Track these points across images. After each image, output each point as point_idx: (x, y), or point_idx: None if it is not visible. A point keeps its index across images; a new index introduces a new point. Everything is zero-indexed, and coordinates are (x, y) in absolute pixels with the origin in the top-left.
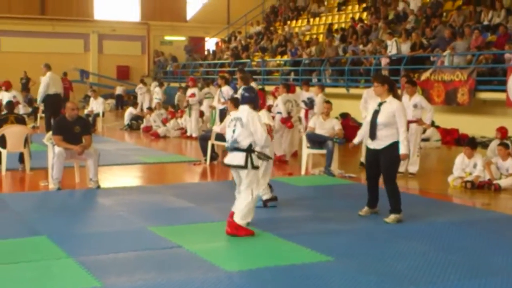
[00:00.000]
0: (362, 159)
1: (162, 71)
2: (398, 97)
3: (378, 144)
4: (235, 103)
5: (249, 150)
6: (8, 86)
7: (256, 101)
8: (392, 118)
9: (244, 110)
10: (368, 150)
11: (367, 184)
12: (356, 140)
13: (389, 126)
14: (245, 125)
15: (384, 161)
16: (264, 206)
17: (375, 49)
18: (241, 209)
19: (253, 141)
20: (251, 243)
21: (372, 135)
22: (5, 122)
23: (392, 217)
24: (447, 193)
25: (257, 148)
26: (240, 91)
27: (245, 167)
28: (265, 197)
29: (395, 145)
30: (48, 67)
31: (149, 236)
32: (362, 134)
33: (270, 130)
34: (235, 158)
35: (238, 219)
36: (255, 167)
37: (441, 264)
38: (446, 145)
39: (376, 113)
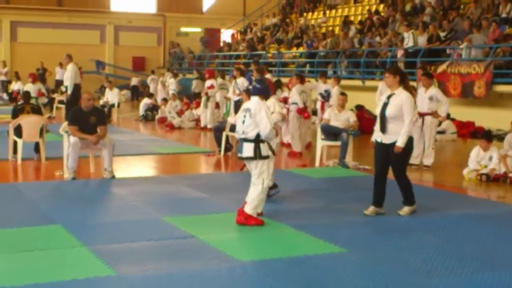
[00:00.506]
0: None
1: (177, 62)
2: (409, 89)
3: (387, 138)
4: (250, 94)
5: (257, 140)
6: (34, 79)
7: (266, 92)
8: (400, 110)
9: (254, 100)
10: (377, 144)
11: (374, 181)
12: (373, 137)
13: (397, 119)
14: (253, 116)
15: (394, 156)
16: (268, 196)
17: (390, 41)
18: (252, 199)
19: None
20: (265, 234)
21: (383, 129)
22: (21, 112)
23: (406, 209)
24: (462, 185)
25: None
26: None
27: (254, 158)
28: None
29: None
30: (70, 58)
31: (163, 226)
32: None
33: (283, 117)
34: (245, 149)
35: (249, 209)
36: (264, 157)
37: (455, 256)
38: (461, 138)
39: (385, 105)
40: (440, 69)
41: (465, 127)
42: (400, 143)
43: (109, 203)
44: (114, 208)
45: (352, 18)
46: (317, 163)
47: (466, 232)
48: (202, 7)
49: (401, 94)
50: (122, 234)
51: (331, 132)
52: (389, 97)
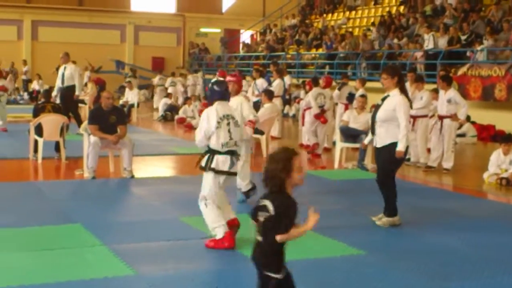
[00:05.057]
0: None
1: (197, 63)
2: (404, 92)
3: (378, 142)
4: (269, 95)
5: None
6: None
7: (226, 95)
8: (392, 113)
9: None
10: (375, 148)
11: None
12: (366, 140)
13: (388, 122)
14: None
15: (381, 161)
16: (247, 196)
17: (408, 43)
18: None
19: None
20: None
21: (372, 131)
22: (42, 111)
23: (384, 220)
24: (482, 189)
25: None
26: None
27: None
28: (245, 189)
29: (394, 146)
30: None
31: (181, 226)
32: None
33: (253, 124)
34: None
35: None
36: (201, 168)
37: (474, 260)
38: (482, 141)
39: (377, 107)
40: (461, 71)
41: (486, 130)
42: (401, 147)
43: (128, 203)
44: (133, 208)
45: (372, 20)
46: (336, 165)
47: (485, 236)
48: (222, 8)
49: (395, 97)
50: (141, 233)
51: (350, 134)
52: (383, 99)
